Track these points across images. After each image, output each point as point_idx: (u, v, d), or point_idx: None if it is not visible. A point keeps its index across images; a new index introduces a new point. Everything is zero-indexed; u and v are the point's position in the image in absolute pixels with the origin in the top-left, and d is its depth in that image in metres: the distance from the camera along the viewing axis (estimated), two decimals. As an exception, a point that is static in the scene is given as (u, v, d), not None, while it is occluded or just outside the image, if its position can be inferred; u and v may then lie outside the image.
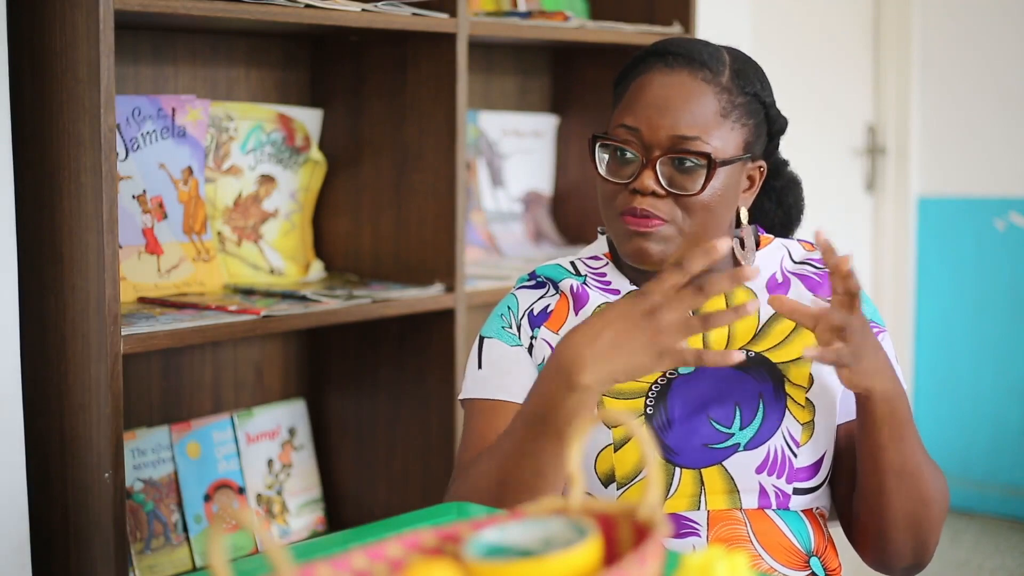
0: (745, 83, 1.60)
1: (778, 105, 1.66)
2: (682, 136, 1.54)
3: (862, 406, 1.50)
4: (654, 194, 1.55)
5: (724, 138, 1.56)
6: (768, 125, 1.64)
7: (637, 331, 1.36)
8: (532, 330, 1.63)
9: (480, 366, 1.64)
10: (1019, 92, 4.04)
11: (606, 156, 1.59)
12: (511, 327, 1.65)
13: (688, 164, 1.55)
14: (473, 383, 1.64)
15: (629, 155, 1.57)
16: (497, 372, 1.62)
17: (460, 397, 1.66)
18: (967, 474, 4.11)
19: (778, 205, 1.76)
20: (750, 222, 1.71)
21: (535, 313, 1.65)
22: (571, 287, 1.64)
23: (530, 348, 1.63)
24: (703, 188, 1.54)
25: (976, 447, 4.13)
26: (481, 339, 1.66)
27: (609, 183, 1.58)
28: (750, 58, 1.64)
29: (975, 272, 4.15)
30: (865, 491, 1.56)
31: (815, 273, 1.66)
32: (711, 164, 1.54)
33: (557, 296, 1.66)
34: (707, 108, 1.56)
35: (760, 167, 1.64)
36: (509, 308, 1.67)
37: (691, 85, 1.56)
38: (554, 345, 1.61)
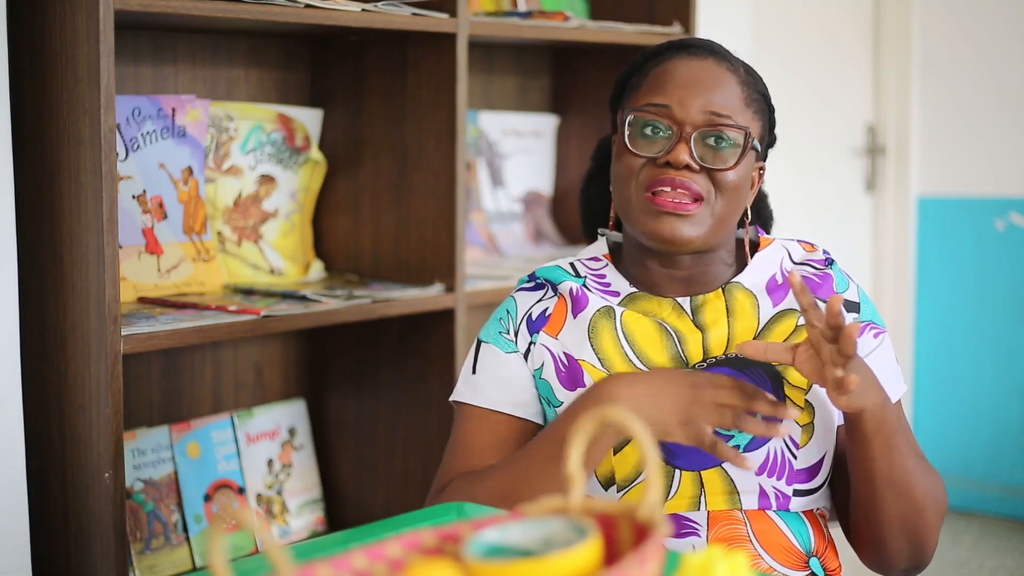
0: (757, 82, 1.64)
1: (778, 104, 1.68)
2: (716, 113, 1.55)
3: (851, 421, 1.51)
4: (688, 168, 1.55)
5: (749, 124, 1.58)
6: (769, 132, 1.66)
7: (678, 392, 1.44)
8: (531, 335, 1.64)
9: (475, 371, 1.65)
10: (1019, 92, 4.04)
11: (628, 133, 1.58)
12: (508, 332, 1.65)
13: (722, 142, 1.55)
14: (466, 387, 1.65)
15: (662, 129, 1.56)
16: (490, 380, 1.63)
17: (452, 397, 1.67)
18: (967, 474, 4.11)
19: (757, 215, 1.78)
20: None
21: (533, 318, 1.65)
22: (570, 290, 1.64)
23: (527, 353, 1.63)
24: (737, 163, 1.55)
25: (976, 447, 4.13)
26: (479, 343, 1.67)
27: (636, 156, 1.57)
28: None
29: (975, 272, 4.15)
30: (858, 498, 1.56)
31: (815, 274, 1.66)
32: (747, 139, 1.55)
33: (555, 298, 1.66)
34: (734, 93, 1.58)
35: (761, 169, 1.65)
36: (508, 312, 1.67)
37: (717, 70, 1.59)
38: (552, 349, 1.61)
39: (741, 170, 1.56)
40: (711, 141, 1.55)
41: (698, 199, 1.54)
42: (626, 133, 1.58)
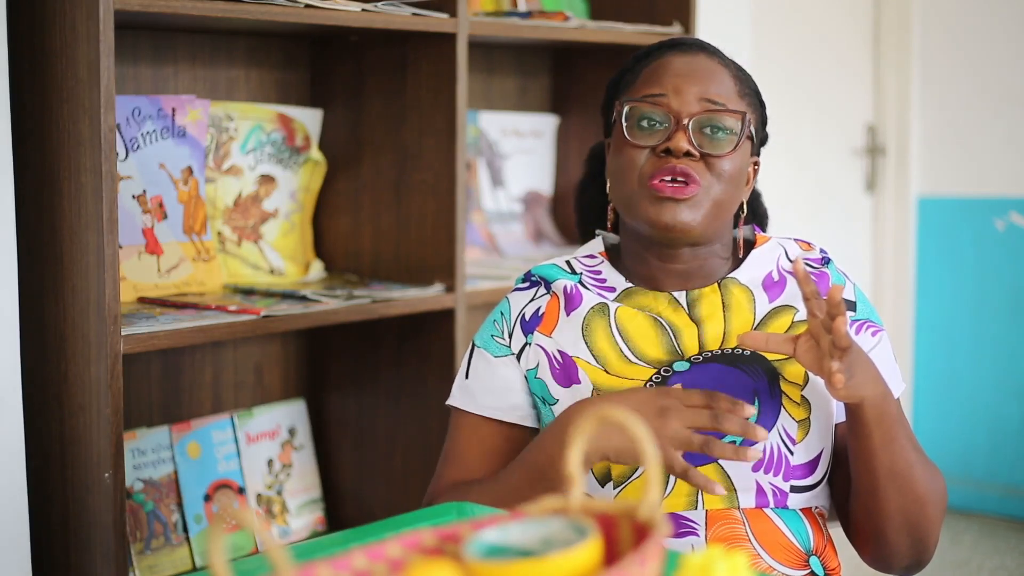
0: (748, 79, 1.65)
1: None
2: (712, 101, 1.57)
3: (852, 413, 1.51)
4: (687, 155, 1.55)
5: (745, 111, 1.60)
6: (762, 127, 1.67)
7: (644, 420, 1.42)
8: (526, 336, 1.65)
9: (468, 376, 1.67)
10: (1019, 92, 4.04)
11: (626, 125, 1.59)
12: (502, 335, 1.66)
13: (719, 130, 1.56)
14: (459, 391, 1.67)
15: (659, 120, 1.57)
16: (481, 386, 1.65)
17: (447, 402, 1.69)
18: (967, 474, 4.11)
19: (752, 213, 1.78)
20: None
21: (527, 318, 1.66)
22: (564, 288, 1.65)
23: (521, 354, 1.64)
24: (735, 148, 1.56)
25: (976, 447, 4.13)
26: (473, 346, 1.69)
27: (635, 147, 1.58)
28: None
29: (975, 272, 4.15)
30: (859, 492, 1.56)
31: (811, 272, 1.66)
32: (744, 123, 1.56)
33: (548, 296, 1.66)
34: (728, 84, 1.60)
35: (756, 163, 1.67)
36: (502, 314, 1.69)
37: (710, 64, 1.61)
38: (547, 348, 1.62)
39: (738, 157, 1.58)
40: (708, 129, 1.56)
41: (695, 183, 1.55)
42: (624, 125, 1.58)
